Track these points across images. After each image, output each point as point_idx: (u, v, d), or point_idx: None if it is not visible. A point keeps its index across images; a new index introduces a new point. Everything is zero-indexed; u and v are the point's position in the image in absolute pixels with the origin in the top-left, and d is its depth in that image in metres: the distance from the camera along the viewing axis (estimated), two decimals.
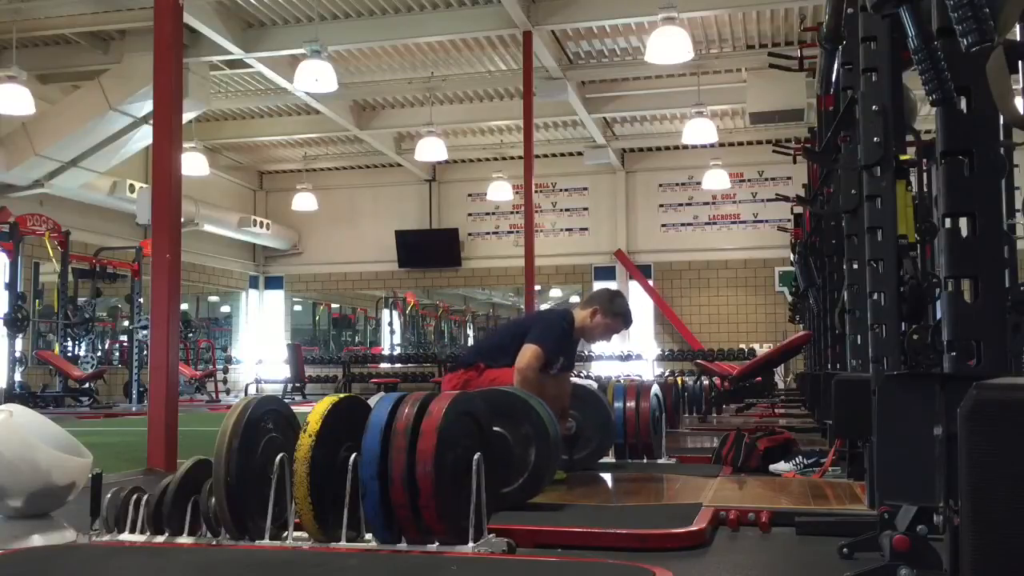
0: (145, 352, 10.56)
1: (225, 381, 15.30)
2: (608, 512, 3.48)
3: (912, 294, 2.53)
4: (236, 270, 16.14)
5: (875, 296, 2.64)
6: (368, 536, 2.49)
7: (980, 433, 1.19)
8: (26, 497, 2.76)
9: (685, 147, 13.72)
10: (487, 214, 15.52)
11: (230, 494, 2.45)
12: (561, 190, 15.22)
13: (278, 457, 2.50)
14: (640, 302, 14.80)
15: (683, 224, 14.76)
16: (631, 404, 4.68)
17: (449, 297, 17.59)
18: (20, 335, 10.99)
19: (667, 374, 13.27)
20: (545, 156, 14.46)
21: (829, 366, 5.27)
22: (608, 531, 2.81)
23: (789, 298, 11.98)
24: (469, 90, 12.25)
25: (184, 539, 2.58)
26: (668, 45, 8.28)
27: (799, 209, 8.41)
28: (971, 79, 1.71)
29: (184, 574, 2.31)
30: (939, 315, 1.92)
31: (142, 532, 2.61)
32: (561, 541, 2.72)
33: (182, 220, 5.07)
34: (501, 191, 14.10)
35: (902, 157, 2.69)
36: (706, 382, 8.63)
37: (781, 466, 4.17)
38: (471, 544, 2.38)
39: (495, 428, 2.90)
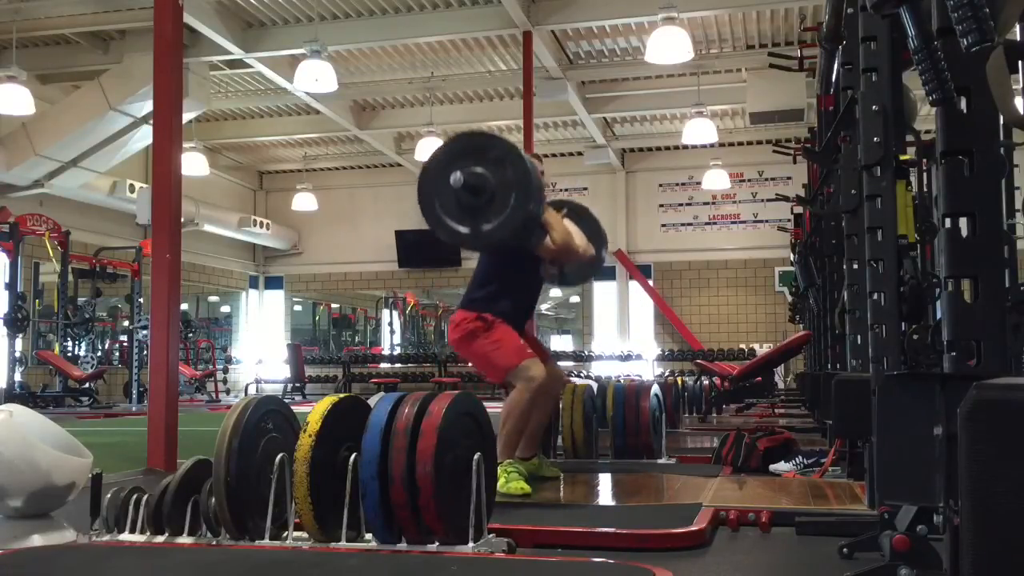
0: (145, 352, 10.55)
1: (225, 381, 15.30)
2: (608, 512, 3.49)
3: (912, 294, 2.53)
4: (236, 270, 16.15)
5: (875, 296, 2.64)
6: (368, 536, 2.49)
7: (980, 433, 1.19)
8: (26, 497, 2.76)
9: (685, 147, 13.72)
10: None
11: (230, 494, 2.45)
12: (561, 190, 15.19)
13: (278, 457, 2.50)
14: (640, 302, 14.83)
15: (683, 224, 14.76)
16: (631, 404, 4.68)
17: (449, 297, 17.54)
18: (20, 335, 10.99)
19: (667, 374, 13.28)
20: (545, 156, 14.39)
21: (829, 366, 5.27)
22: (608, 531, 2.81)
23: (789, 298, 11.98)
24: (469, 90, 12.25)
25: (184, 539, 2.58)
26: (668, 45, 8.29)
27: (799, 209, 8.41)
28: (971, 79, 1.71)
29: (184, 574, 2.31)
30: (939, 315, 1.92)
31: (142, 532, 2.61)
32: (561, 541, 2.72)
33: (182, 220, 5.07)
34: None
35: (902, 157, 2.69)
36: (706, 382, 8.63)
37: (781, 466, 4.17)
38: (471, 544, 2.38)
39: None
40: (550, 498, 3.66)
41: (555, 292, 17.50)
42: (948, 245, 1.76)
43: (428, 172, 3.51)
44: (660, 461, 4.63)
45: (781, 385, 12.03)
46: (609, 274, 14.81)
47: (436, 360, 15.78)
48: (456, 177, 3.33)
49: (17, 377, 11.11)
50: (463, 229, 3.45)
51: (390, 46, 10.57)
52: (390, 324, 17.90)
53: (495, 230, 3.40)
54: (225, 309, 17.97)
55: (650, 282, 14.70)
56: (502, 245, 3.67)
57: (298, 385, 14.64)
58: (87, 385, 11.78)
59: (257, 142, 14.62)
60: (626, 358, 14.42)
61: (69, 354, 12.13)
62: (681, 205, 14.78)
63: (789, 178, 13.20)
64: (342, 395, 2.66)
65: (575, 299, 16.23)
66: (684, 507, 3.09)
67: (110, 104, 10.47)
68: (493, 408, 2.99)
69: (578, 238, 4.09)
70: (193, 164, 11.84)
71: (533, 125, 10.48)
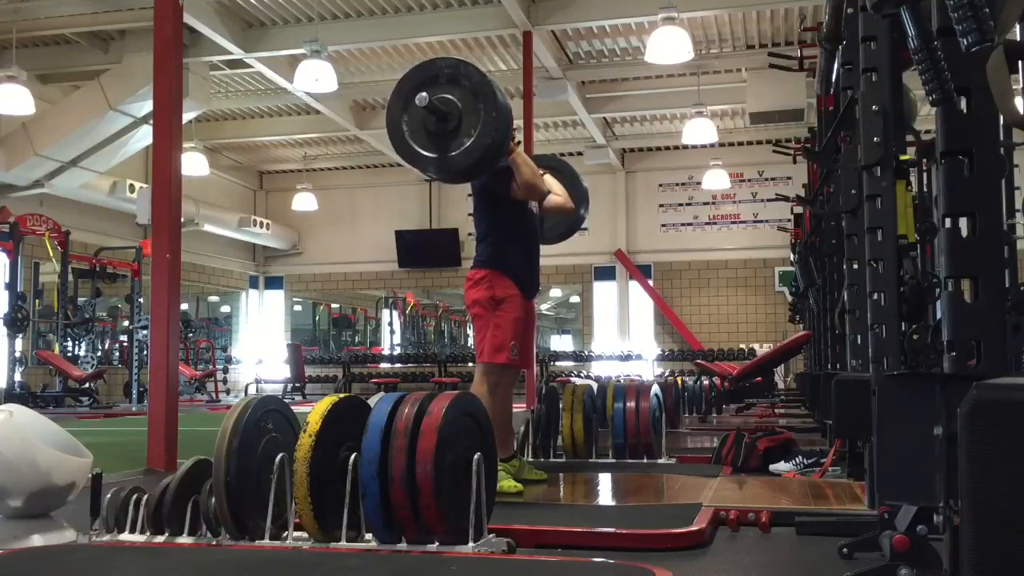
0: (145, 352, 10.55)
1: (225, 381, 15.29)
2: (608, 512, 3.49)
3: (912, 294, 2.53)
4: (236, 270, 16.15)
5: (875, 296, 2.64)
6: (368, 536, 2.49)
7: (980, 433, 1.19)
8: (26, 497, 2.76)
9: (685, 147, 13.72)
10: None
11: (230, 494, 2.45)
12: None
13: (278, 457, 2.50)
14: (640, 302, 14.82)
15: (683, 224, 14.76)
16: (631, 404, 4.68)
17: (449, 297, 17.56)
18: (20, 335, 10.99)
19: (667, 374, 13.27)
20: None
21: (829, 366, 5.27)
22: (608, 531, 2.81)
23: (789, 298, 11.98)
24: None
25: (184, 539, 2.58)
26: (668, 45, 8.29)
27: (799, 209, 8.41)
28: (971, 79, 1.71)
29: (184, 574, 2.31)
30: (939, 315, 1.92)
31: (142, 532, 2.61)
32: (561, 541, 2.72)
33: (182, 220, 5.07)
34: None
35: (902, 157, 2.69)
36: (706, 382, 8.63)
37: (781, 466, 4.16)
38: (471, 544, 2.38)
39: None
40: (550, 498, 3.66)
41: (555, 292, 17.50)
42: (948, 245, 1.76)
43: (396, 97, 3.57)
44: (660, 461, 4.63)
45: (781, 385, 12.03)
46: (609, 274, 14.81)
47: (436, 360, 15.78)
48: (421, 96, 3.39)
49: (17, 377, 11.11)
50: (430, 154, 3.52)
51: (390, 46, 10.56)
52: (390, 324, 17.90)
53: (464, 153, 3.45)
54: (225, 309, 17.97)
55: (650, 282, 14.70)
56: (472, 174, 3.76)
57: (298, 385, 14.64)
58: (87, 385, 11.77)
59: (257, 142, 14.62)
60: (626, 358, 14.42)
61: (69, 354, 12.12)
62: (681, 205, 14.78)
63: (789, 178, 13.21)
64: (342, 395, 2.66)
65: (575, 299, 16.23)
66: (684, 507, 3.09)
67: (110, 104, 10.47)
68: None
69: (556, 188, 4.31)
70: (193, 164, 11.84)
71: (533, 125, 10.47)
